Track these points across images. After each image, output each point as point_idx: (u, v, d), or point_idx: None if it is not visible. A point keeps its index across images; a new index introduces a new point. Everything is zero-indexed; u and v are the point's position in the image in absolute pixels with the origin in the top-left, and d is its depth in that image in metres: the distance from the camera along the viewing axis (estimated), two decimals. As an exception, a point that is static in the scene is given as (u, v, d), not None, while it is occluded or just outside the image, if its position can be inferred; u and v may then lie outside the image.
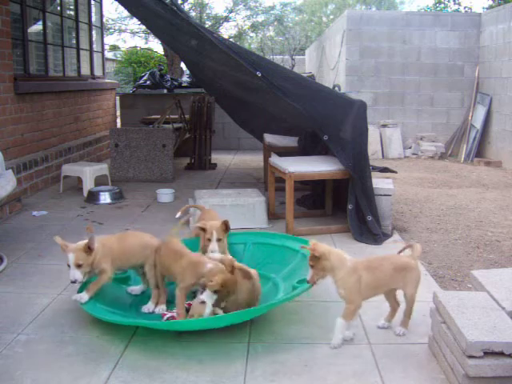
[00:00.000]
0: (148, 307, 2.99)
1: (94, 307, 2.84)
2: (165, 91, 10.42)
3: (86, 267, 2.80)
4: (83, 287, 2.94)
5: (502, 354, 2.13)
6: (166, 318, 2.88)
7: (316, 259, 2.62)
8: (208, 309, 2.67)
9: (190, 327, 2.73)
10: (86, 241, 2.81)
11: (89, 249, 2.79)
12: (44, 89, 6.56)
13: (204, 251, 3.26)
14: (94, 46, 8.91)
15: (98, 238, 2.89)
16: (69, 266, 2.78)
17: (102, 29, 9.58)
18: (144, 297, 3.13)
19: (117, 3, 8.98)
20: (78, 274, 2.76)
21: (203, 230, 3.29)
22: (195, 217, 4.23)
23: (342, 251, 2.74)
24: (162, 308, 2.99)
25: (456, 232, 4.71)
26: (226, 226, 3.31)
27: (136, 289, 3.19)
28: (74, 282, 2.78)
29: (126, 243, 3.02)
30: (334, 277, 2.64)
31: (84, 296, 2.86)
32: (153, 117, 8.86)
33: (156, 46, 19.88)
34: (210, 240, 3.25)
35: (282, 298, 2.91)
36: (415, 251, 2.80)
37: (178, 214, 3.90)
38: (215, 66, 5.55)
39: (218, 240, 3.24)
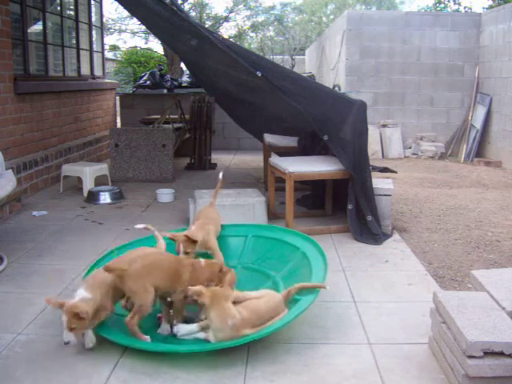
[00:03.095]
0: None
1: None
2: (165, 91, 10.42)
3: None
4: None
5: (502, 354, 2.13)
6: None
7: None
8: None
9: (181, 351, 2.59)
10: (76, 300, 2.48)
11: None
12: (44, 89, 6.56)
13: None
14: (94, 46, 8.90)
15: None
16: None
17: (102, 29, 9.58)
18: None
19: (117, 3, 8.96)
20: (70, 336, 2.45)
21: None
22: (193, 215, 4.22)
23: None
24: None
25: (456, 232, 4.71)
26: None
27: None
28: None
29: None
30: None
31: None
32: (153, 117, 8.85)
33: (156, 46, 19.93)
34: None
35: (284, 321, 2.67)
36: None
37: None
38: (215, 66, 5.55)
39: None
